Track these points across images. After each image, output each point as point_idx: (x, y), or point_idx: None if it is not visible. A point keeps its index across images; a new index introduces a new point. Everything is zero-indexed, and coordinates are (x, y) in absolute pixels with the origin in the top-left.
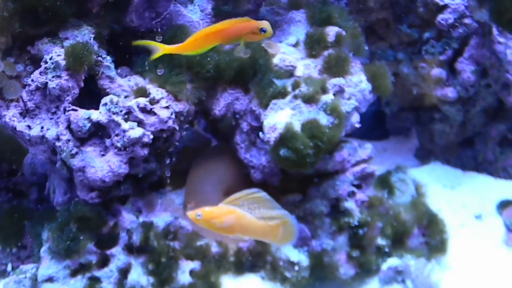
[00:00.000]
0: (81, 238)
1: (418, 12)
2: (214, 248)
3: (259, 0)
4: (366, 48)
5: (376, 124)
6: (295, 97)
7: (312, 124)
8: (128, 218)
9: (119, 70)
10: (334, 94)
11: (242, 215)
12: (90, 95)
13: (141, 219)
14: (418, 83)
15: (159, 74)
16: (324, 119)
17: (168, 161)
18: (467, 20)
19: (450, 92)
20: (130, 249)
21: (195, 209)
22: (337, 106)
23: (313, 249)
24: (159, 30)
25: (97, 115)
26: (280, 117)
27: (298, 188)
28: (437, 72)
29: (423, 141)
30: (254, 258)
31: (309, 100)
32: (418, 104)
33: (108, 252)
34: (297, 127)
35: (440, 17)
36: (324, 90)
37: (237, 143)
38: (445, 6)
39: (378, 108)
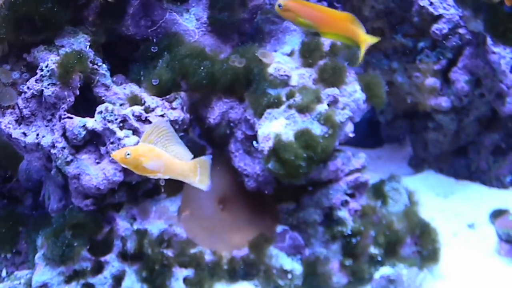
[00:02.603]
0: (76, 245)
1: (412, 21)
2: (208, 256)
3: (254, 9)
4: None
5: (370, 132)
6: (290, 106)
7: (306, 134)
8: (122, 226)
9: (114, 78)
10: (328, 104)
11: (161, 153)
12: (86, 103)
13: (135, 227)
14: (412, 92)
15: (154, 84)
16: (318, 129)
17: None
18: (461, 30)
19: (444, 102)
20: (124, 256)
21: (190, 217)
22: (331, 116)
23: (306, 258)
24: (154, 39)
25: (92, 123)
26: (274, 127)
27: (292, 196)
28: (431, 81)
29: (417, 150)
30: (248, 266)
31: (303, 110)
32: (412, 113)
33: (102, 259)
34: (291, 136)
35: (434, 27)
36: (319, 100)
37: (232, 151)
38: (440, 16)
39: (372, 116)
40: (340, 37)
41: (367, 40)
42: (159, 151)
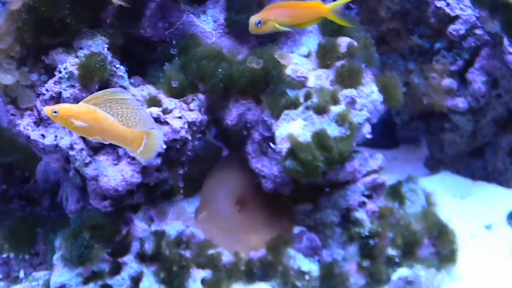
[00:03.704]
0: (94, 246)
1: (429, 22)
2: (225, 257)
3: None
4: (378, 58)
5: (385, 133)
6: (307, 108)
7: (323, 135)
8: (140, 227)
9: (132, 80)
10: (346, 105)
11: (102, 116)
12: None
13: (153, 228)
14: (428, 93)
15: (173, 86)
16: (335, 130)
17: (180, 171)
18: (478, 31)
19: (460, 103)
20: (142, 257)
21: (207, 218)
22: (349, 117)
23: (323, 259)
24: (173, 40)
25: None
26: (292, 128)
27: (309, 197)
28: (448, 82)
29: (433, 151)
30: (265, 267)
31: (321, 111)
32: (428, 114)
33: (120, 260)
34: (308, 138)
35: (451, 27)
36: (336, 101)
37: (249, 152)
38: (457, 17)
39: (388, 117)
40: (311, 22)
41: (330, 8)
42: (101, 115)
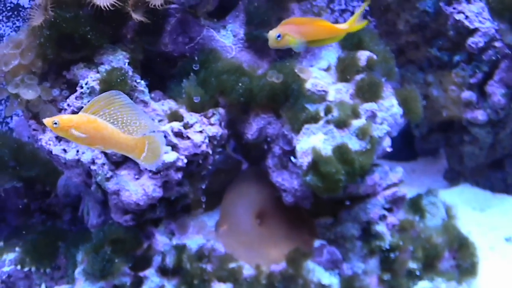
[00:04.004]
0: (116, 260)
1: (448, 35)
2: (246, 271)
3: None
4: (397, 71)
5: (404, 145)
6: (328, 122)
7: (344, 149)
8: (161, 241)
9: (152, 94)
10: (366, 119)
11: (103, 125)
12: None
13: (174, 242)
14: (447, 106)
15: (195, 101)
16: (356, 144)
17: (202, 185)
18: (497, 44)
19: (480, 115)
20: (163, 271)
21: (227, 232)
22: (369, 131)
23: (344, 272)
24: (196, 56)
25: None
26: (313, 142)
27: (329, 211)
28: (467, 95)
29: (452, 163)
30: (286, 281)
31: (341, 125)
32: (447, 126)
33: (141, 274)
34: (329, 152)
35: (470, 40)
36: (357, 115)
37: (269, 166)
38: (476, 30)
39: (406, 129)
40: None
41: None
42: (101, 123)
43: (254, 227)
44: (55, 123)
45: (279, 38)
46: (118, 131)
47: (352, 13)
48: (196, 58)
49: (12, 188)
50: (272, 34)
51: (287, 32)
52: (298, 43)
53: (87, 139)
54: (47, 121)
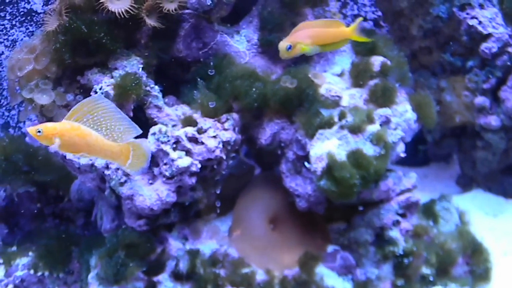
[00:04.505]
0: (129, 264)
1: (461, 40)
2: (259, 276)
3: None
4: (411, 77)
5: (416, 151)
6: (342, 127)
7: (358, 155)
8: (175, 246)
9: (166, 100)
10: (380, 125)
11: (86, 132)
12: (136, 123)
13: (187, 247)
14: (460, 111)
15: (211, 106)
16: (370, 150)
17: (216, 190)
18: (510, 49)
19: (493, 121)
20: (176, 276)
21: (241, 237)
22: (384, 136)
23: (357, 278)
24: (211, 62)
25: None
26: (327, 147)
27: (342, 216)
28: (480, 100)
29: (465, 168)
30: (299, 286)
31: (355, 130)
32: (460, 132)
33: (155, 279)
34: (343, 157)
35: (483, 46)
36: (371, 120)
37: (283, 171)
38: (489, 35)
39: (418, 134)
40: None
41: (353, 29)
42: (85, 130)
43: (267, 232)
44: (39, 131)
45: (289, 49)
46: (102, 138)
47: (365, 18)
48: (211, 64)
49: (25, 192)
50: (282, 45)
51: (298, 40)
52: (311, 49)
53: (71, 146)
54: (30, 129)
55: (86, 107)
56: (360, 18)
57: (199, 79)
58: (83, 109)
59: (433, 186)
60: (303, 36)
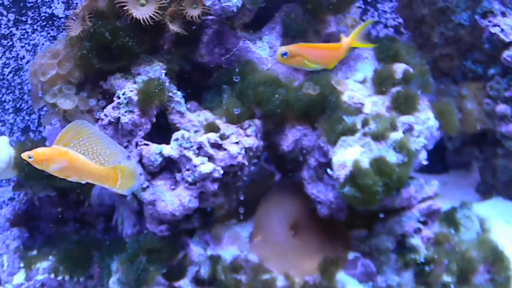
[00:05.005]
0: (150, 269)
1: (483, 48)
2: (280, 282)
3: (327, 37)
4: (433, 84)
5: (435, 158)
6: (365, 134)
7: (381, 162)
8: (196, 251)
9: (188, 105)
10: (403, 132)
11: (74, 157)
12: (158, 129)
13: (208, 252)
14: (482, 119)
15: (236, 113)
16: (393, 157)
17: (238, 196)
18: None
19: None
20: (198, 281)
21: (262, 243)
22: (407, 144)
23: (378, 285)
24: (236, 69)
25: (169, 150)
26: (350, 154)
27: (364, 223)
28: (502, 108)
29: (485, 176)
30: None
31: (378, 137)
32: (481, 140)
33: (176, 284)
34: (366, 164)
35: (506, 53)
36: (394, 128)
37: (304, 178)
38: (511, 43)
39: (437, 141)
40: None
41: (350, 41)
42: (73, 155)
43: (288, 238)
44: (30, 157)
45: (285, 56)
46: (90, 161)
47: (385, 25)
48: (237, 70)
49: (46, 197)
50: (279, 50)
51: (301, 53)
52: (314, 67)
53: (62, 171)
54: (24, 155)
55: (71, 132)
56: (362, 25)
57: (224, 86)
58: (69, 134)
59: (453, 194)
60: (307, 52)
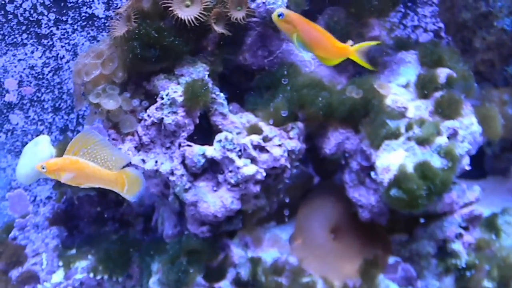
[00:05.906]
0: (191, 271)
1: None
2: (320, 285)
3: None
4: (477, 89)
5: (473, 163)
6: (409, 138)
7: (426, 167)
8: (236, 253)
9: (230, 107)
10: (448, 137)
11: (84, 165)
12: (200, 130)
13: (249, 254)
14: None
15: (283, 115)
16: (437, 162)
17: (280, 198)
18: None
19: None
20: (238, 283)
21: (302, 246)
22: (452, 149)
23: None
24: (285, 71)
25: (212, 151)
26: (394, 158)
27: (404, 228)
28: None
29: None
30: None
31: (423, 142)
32: None
33: (216, 285)
34: (410, 169)
35: None
36: (438, 133)
37: (346, 182)
38: None
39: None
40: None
41: (355, 50)
42: (82, 163)
43: (329, 241)
44: (43, 168)
45: (280, 17)
46: (99, 168)
47: (425, 30)
48: (285, 72)
49: (85, 196)
50: (276, 11)
51: (296, 24)
52: (302, 45)
53: (74, 179)
54: (37, 166)
55: (80, 142)
56: (372, 43)
57: (283, 81)
58: (78, 143)
59: (490, 200)
60: (303, 27)
